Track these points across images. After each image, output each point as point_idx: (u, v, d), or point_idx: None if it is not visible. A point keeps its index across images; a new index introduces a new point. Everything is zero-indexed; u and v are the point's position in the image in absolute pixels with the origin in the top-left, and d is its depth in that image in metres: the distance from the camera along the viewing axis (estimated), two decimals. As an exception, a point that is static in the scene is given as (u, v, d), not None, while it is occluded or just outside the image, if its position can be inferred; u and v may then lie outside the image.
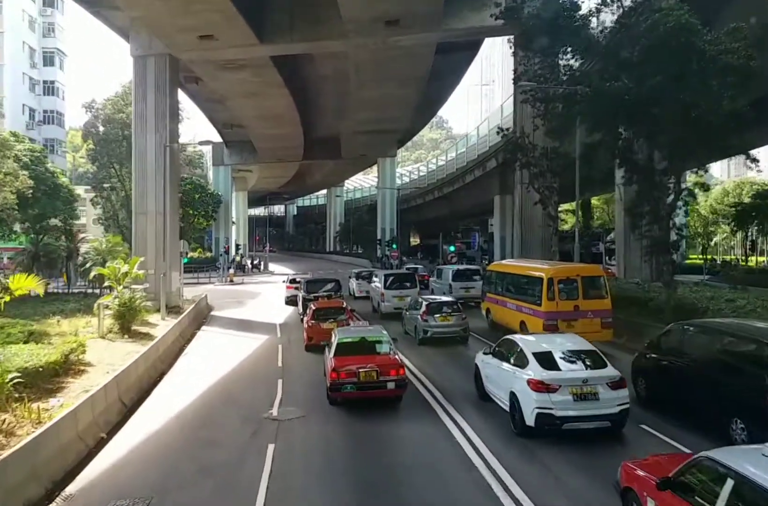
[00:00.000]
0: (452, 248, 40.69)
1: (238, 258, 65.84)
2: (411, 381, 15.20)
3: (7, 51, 57.44)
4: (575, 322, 18.24)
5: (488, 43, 53.81)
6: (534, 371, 11.51)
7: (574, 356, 11.98)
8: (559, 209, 33.11)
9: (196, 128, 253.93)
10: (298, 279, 33.45)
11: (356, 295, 34.79)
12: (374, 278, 30.71)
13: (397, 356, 14.20)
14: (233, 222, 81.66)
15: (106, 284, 27.68)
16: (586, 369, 11.61)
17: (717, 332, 11.96)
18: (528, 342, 12.76)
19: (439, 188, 67.53)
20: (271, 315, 29.55)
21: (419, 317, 21.00)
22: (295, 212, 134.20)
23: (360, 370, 13.23)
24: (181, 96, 59.25)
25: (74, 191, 38.15)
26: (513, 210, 32.97)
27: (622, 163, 19.52)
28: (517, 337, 13.40)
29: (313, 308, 21.20)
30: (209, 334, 25.15)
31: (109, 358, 18.93)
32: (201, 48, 31.04)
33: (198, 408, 14.44)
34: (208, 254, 69.59)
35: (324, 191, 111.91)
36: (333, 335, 15.20)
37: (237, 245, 68.96)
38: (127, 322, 23.60)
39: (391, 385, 13.29)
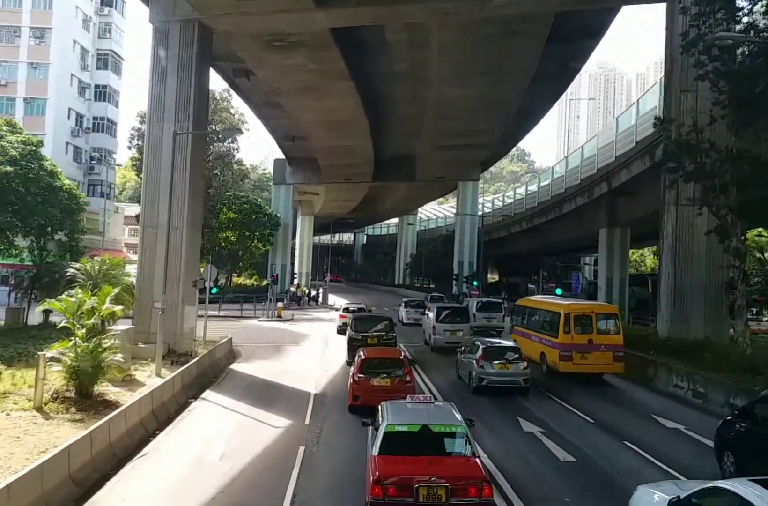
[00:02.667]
0: (559, 292, 31.81)
1: (293, 289, 57.90)
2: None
3: (55, 49, 51.91)
4: (589, 354, 19.69)
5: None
6: None
7: None
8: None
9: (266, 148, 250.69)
10: (351, 308, 33.94)
11: (404, 321, 36.72)
12: (427, 311, 30.57)
13: (478, 461, 9.13)
14: (293, 247, 74.56)
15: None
16: None
17: None
18: None
19: (529, 219, 58.13)
20: (309, 375, 20.91)
21: (474, 362, 18.60)
22: (364, 241, 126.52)
23: (419, 485, 8.45)
24: (237, 102, 53.18)
25: (80, 197, 30.74)
26: (661, 243, 23.42)
27: None
28: (748, 494, 6.43)
29: (362, 357, 16.60)
30: (205, 409, 16.53)
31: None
32: (239, 12, 23.35)
33: None
34: (265, 283, 62.00)
35: (395, 220, 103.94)
36: (378, 413, 10.43)
37: (293, 274, 60.99)
38: (83, 384, 15.64)
39: None
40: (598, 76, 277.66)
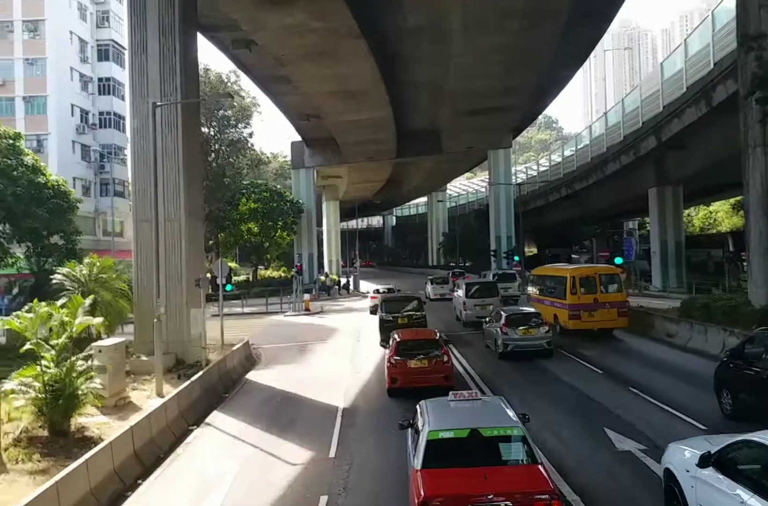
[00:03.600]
0: (619, 260, 28.29)
1: (322, 278, 54.68)
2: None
3: (50, 42, 48.90)
4: (595, 312, 21.46)
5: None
6: None
7: None
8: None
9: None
10: (381, 290, 36.37)
11: (431, 297, 38.83)
12: (456, 288, 31.71)
13: (542, 469, 7.46)
14: (320, 235, 71.39)
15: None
16: None
17: None
18: None
19: (568, 185, 54.01)
20: (338, 382, 17.59)
21: (499, 330, 19.46)
22: (394, 223, 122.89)
23: (475, 503, 6.92)
24: (249, 86, 49.55)
25: (70, 193, 27.62)
26: (746, 194, 19.34)
27: None
28: None
29: (398, 339, 16.41)
30: (207, 441, 13.16)
31: None
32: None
33: None
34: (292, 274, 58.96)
35: (423, 199, 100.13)
36: (417, 414, 8.88)
37: (320, 262, 57.76)
38: (55, 420, 12.59)
39: None
40: (622, 35, 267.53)
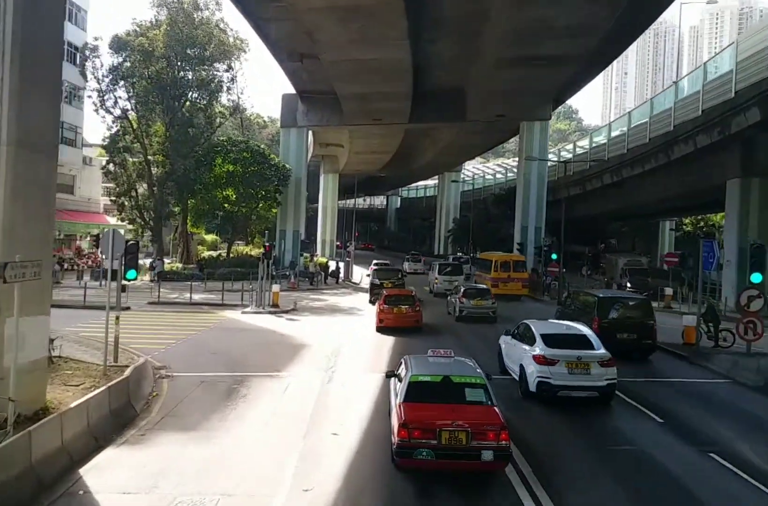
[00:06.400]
0: (757, 278, 17.83)
1: (305, 259, 44.78)
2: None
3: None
4: (507, 284, 34.72)
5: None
6: (539, 348, 13.73)
7: (573, 338, 14.20)
8: None
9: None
10: (379, 264, 44.95)
11: (408, 271, 47.30)
12: (431, 268, 40.36)
13: (496, 409, 9.65)
14: (314, 211, 61.47)
15: None
16: (582, 349, 13.59)
17: (583, 293, 22.63)
18: (539, 326, 14.86)
19: (615, 171, 44.07)
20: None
21: (457, 299, 26.58)
22: (398, 205, 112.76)
23: (442, 428, 9.03)
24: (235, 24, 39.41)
25: None
26: None
27: None
28: (531, 322, 15.45)
29: (385, 294, 23.86)
30: None
31: None
32: None
33: None
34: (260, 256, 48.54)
35: (433, 181, 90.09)
36: (402, 365, 11.35)
37: (304, 242, 47.70)
38: None
39: (487, 455, 8.92)
40: (647, 29, 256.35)
